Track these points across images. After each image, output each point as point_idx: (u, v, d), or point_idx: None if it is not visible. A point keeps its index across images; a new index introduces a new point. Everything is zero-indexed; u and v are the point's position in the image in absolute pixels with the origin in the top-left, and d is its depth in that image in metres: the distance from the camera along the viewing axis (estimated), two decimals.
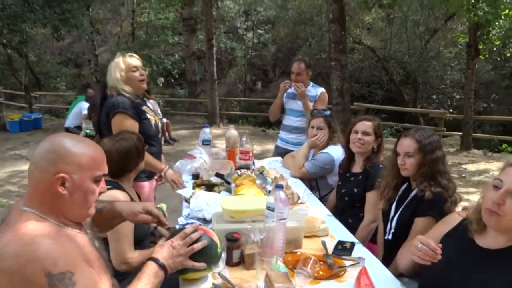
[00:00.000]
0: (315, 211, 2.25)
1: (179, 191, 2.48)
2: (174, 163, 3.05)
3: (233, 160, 2.96)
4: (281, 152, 3.62)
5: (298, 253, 1.75)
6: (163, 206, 3.15)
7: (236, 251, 1.64)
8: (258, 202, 1.83)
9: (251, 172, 2.60)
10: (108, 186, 1.87)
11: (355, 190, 2.48)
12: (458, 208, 1.88)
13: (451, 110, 12.79)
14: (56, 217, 1.17)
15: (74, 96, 8.83)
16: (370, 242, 2.33)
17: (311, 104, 3.49)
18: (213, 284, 1.49)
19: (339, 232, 2.03)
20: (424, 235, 1.62)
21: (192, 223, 2.00)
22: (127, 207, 1.54)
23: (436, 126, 9.84)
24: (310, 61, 3.72)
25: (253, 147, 3.02)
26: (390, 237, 2.02)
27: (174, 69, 15.92)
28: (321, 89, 3.65)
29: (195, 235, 1.42)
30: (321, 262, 1.67)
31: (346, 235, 2.00)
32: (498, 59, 11.38)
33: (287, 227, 1.67)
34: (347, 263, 1.69)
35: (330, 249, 1.79)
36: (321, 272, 1.61)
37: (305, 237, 1.87)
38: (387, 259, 1.93)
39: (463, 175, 6.66)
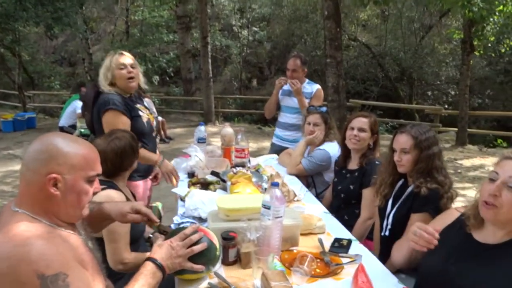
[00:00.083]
0: (311, 209, 2.24)
1: (174, 190, 2.46)
2: (169, 161, 3.03)
3: (229, 158, 2.95)
4: (277, 150, 3.60)
5: (295, 251, 1.74)
6: (159, 205, 3.16)
7: (232, 249, 1.62)
8: (254, 200, 1.81)
9: (247, 170, 2.59)
10: (103, 186, 1.85)
11: (351, 187, 2.47)
12: (455, 204, 1.88)
13: (446, 106, 12.85)
14: (49, 218, 1.15)
15: (68, 95, 8.77)
16: (367, 239, 2.32)
17: (306, 101, 3.48)
18: (209, 283, 1.48)
19: (335, 229, 2.02)
20: None
21: (188, 222, 1.98)
22: (115, 208, 1.51)
23: (431, 122, 9.88)
24: (306, 58, 3.70)
25: (248, 144, 3.00)
26: (386, 233, 2.01)
27: (169, 67, 15.89)
28: (317, 86, 3.64)
29: (195, 237, 1.40)
30: (318, 260, 1.66)
31: (343, 232, 1.99)
32: (493, 55, 11.43)
33: (284, 225, 1.66)
34: (344, 260, 1.68)
35: (327, 247, 1.78)
36: (318, 270, 1.60)
37: (302, 234, 1.85)
38: (384, 256, 1.92)
39: (459, 171, 6.69)
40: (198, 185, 2.46)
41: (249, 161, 3.00)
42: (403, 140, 1.95)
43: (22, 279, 0.98)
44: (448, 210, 1.70)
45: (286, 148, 3.42)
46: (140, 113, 2.56)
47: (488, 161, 7.21)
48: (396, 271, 1.81)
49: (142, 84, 2.67)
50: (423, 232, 1.43)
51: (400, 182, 2.04)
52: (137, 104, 2.63)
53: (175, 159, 2.97)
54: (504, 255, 1.36)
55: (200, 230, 1.45)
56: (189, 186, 2.46)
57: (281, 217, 1.61)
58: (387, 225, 2.01)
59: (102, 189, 1.84)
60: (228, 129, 3.06)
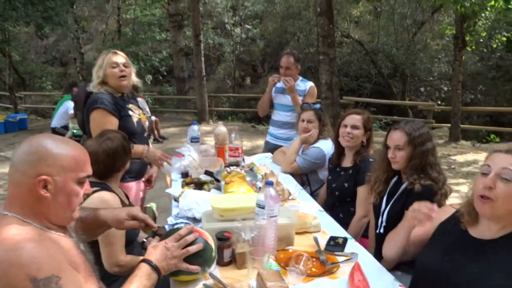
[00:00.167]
0: (306, 207, 2.23)
1: (168, 190, 2.44)
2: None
3: (223, 157, 2.93)
4: (271, 148, 3.59)
5: (290, 250, 1.72)
6: (153, 205, 3.13)
7: (227, 250, 1.60)
8: (248, 200, 1.80)
9: (241, 169, 2.57)
10: (96, 188, 1.83)
11: (346, 184, 2.47)
12: (449, 200, 1.88)
13: (439, 102, 12.92)
14: (39, 220, 1.13)
15: (60, 95, 8.69)
16: (362, 237, 2.32)
17: (300, 99, 3.47)
18: (204, 284, 1.46)
19: (331, 227, 2.01)
20: (415, 230, 1.62)
21: (182, 223, 1.96)
22: (112, 215, 1.49)
23: (424, 118, 9.93)
24: (299, 55, 3.68)
25: (242, 143, 2.99)
26: (381, 230, 2.01)
27: (162, 66, 15.81)
28: (310, 83, 3.62)
29: (190, 238, 1.39)
30: (314, 259, 1.65)
31: (338, 231, 1.99)
32: (485, 50, 11.47)
33: (278, 224, 1.64)
34: (340, 259, 1.67)
35: (323, 245, 1.77)
36: (313, 269, 1.59)
37: (297, 233, 1.84)
38: (379, 253, 1.91)
39: (452, 166, 6.73)
40: (192, 185, 2.44)
41: (243, 160, 2.98)
42: (397, 137, 1.94)
43: (14, 283, 0.97)
44: (442, 206, 1.70)
45: (280, 146, 3.40)
46: (131, 112, 2.54)
47: (482, 157, 7.25)
48: (392, 269, 1.80)
49: (135, 83, 2.65)
50: (422, 206, 1.47)
51: (394, 179, 2.04)
52: (129, 104, 2.61)
53: None
54: (500, 249, 1.36)
55: (195, 230, 1.44)
56: (182, 186, 2.43)
57: (275, 216, 1.60)
58: (381, 222, 2.00)
59: (95, 191, 1.82)
60: (221, 128, 3.04)
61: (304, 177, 2.96)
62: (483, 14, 8.17)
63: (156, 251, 1.33)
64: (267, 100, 3.69)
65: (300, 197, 2.41)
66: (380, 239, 2.03)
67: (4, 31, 10.01)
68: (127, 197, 2.16)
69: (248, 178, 2.39)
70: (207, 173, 2.57)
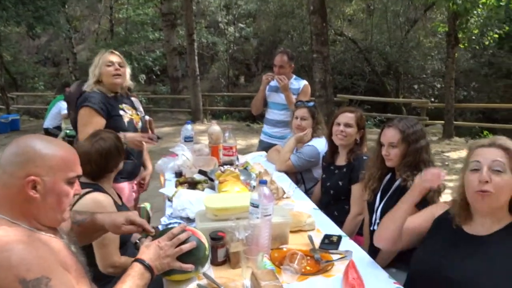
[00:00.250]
0: (301, 205, 2.22)
1: (161, 190, 2.43)
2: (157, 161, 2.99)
3: (217, 156, 2.92)
4: (265, 147, 3.58)
5: (285, 249, 1.72)
6: (147, 205, 3.11)
7: (221, 249, 1.60)
8: (242, 199, 1.79)
9: (235, 168, 2.56)
10: (89, 189, 1.81)
11: (340, 183, 2.46)
12: (442, 198, 1.88)
13: (432, 99, 12.99)
14: (28, 222, 1.13)
15: (53, 96, 8.62)
16: (357, 234, 2.32)
17: (294, 97, 3.46)
18: (198, 284, 1.45)
19: (325, 225, 2.00)
20: (412, 218, 1.61)
21: (175, 222, 1.95)
22: (109, 219, 1.48)
23: (418, 115, 9.97)
24: (293, 54, 3.67)
25: (236, 142, 2.97)
26: (375, 227, 2.01)
27: (156, 65, 15.75)
28: (304, 82, 3.62)
29: (183, 236, 1.38)
30: (308, 257, 1.64)
31: (333, 229, 1.98)
32: (477, 47, 11.56)
33: (273, 223, 1.64)
34: (334, 257, 1.66)
35: (317, 244, 1.77)
36: (308, 268, 1.58)
37: (292, 232, 1.84)
38: (374, 251, 1.92)
39: (446, 163, 6.76)
40: (185, 184, 2.42)
41: (237, 158, 2.97)
42: (391, 134, 1.94)
43: (4, 285, 0.97)
44: (436, 204, 1.70)
45: (275, 145, 3.39)
46: (122, 112, 2.52)
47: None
48: (386, 266, 1.81)
49: (129, 85, 2.66)
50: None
51: (388, 176, 2.04)
52: (123, 103, 2.60)
53: (162, 159, 2.93)
54: (494, 245, 1.37)
55: (188, 229, 1.43)
56: (176, 186, 2.42)
57: (269, 215, 1.59)
58: (375, 219, 2.00)
59: (88, 192, 1.80)
60: (215, 127, 3.02)
61: (298, 175, 2.96)
62: (475, 12, 8.22)
63: (149, 250, 1.32)
64: (260, 98, 3.68)
65: (294, 196, 2.41)
66: (373, 236, 2.03)
67: None
68: (120, 198, 2.14)
69: (242, 177, 2.38)
70: (201, 172, 2.56)
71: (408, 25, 15.13)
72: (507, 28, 9.99)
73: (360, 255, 1.70)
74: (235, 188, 2.13)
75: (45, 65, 18.69)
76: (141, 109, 2.88)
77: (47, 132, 6.63)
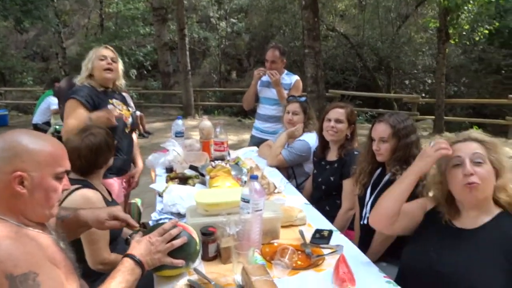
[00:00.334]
0: (292, 200, 2.22)
1: (152, 186, 2.41)
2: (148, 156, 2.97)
3: (208, 152, 2.90)
4: (256, 142, 3.57)
5: (276, 244, 1.72)
6: (138, 201, 3.09)
7: (212, 245, 1.59)
8: (232, 194, 1.78)
9: (226, 163, 2.55)
10: (77, 185, 1.79)
11: (332, 178, 2.47)
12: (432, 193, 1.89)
13: (423, 95, 13.07)
14: (16, 217, 1.11)
15: (42, 91, 8.49)
16: (348, 229, 2.33)
17: (285, 92, 3.45)
18: (189, 280, 1.44)
19: (316, 220, 2.01)
20: (407, 204, 1.61)
21: (166, 218, 1.94)
22: (92, 215, 1.47)
23: (409, 110, 10.04)
24: (285, 49, 3.66)
25: (228, 137, 2.96)
26: (365, 221, 2.02)
27: (147, 60, 15.61)
28: (296, 77, 3.61)
29: (174, 231, 1.37)
30: (299, 252, 1.65)
31: (324, 223, 1.99)
32: (467, 43, 11.66)
33: (264, 218, 1.63)
34: (325, 251, 1.67)
35: (308, 238, 1.77)
36: (299, 262, 1.58)
37: (283, 227, 1.84)
38: (364, 244, 1.93)
39: None
40: (176, 180, 2.41)
41: (229, 154, 2.96)
42: (382, 129, 1.95)
43: None
44: (426, 197, 1.70)
45: (266, 140, 3.39)
46: (111, 107, 2.50)
47: None
48: (377, 260, 1.82)
49: (121, 84, 2.66)
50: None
51: (378, 171, 2.04)
52: (113, 99, 2.58)
53: (153, 154, 2.92)
54: (483, 237, 1.39)
55: (178, 225, 1.43)
56: (167, 181, 2.40)
57: (260, 210, 1.59)
58: (365, 213, 2.01)
59: (77, 188, 1.78)
60: (206, 122, 3.01)
61: (290, 170, 2.96)
62: (466, 7, 8.29)
63: (140, 245, 1.31)
64: (252, 93, 3.67)
65: (286, 191, 2.41)
66: (364, 230, 2.04)
67: None
68: (110, 194, 2.12)
69: (233, 172, 2.38)
70: (192, 167, 2.54)
71: (399, 20, 15.17)
72: (497, 24, 10.11)
73: (351, 250, 1.71)
74: (226, 183, 2.12)
75: (34, 60, 18.40)
76: (132, 104, 2.85)
77: (36, 127, 6.55)
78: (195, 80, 13.97)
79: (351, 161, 2.32)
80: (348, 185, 2.34)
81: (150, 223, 2.00)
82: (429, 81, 14.28)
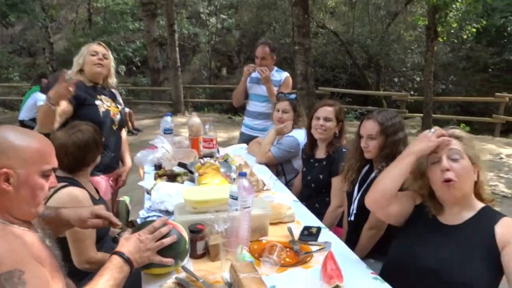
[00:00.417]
0: (281, 197, 2.22)
1: (140, 183, 2.39)
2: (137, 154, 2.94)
3: (197, 149, 2.89)
4: (246, 139, 3.56)
5: (264, 241, 1.72)
6: (127, 199, 3.07)
7: (200, 242, 1.58)
8: (221, 191, 1.77)
9: (215, 161, 2.54)
10: (64, 183, 1.76)
11: (321, 176, 2.48)
12: None
13: (412, 93, 13.19)
14: (1, 215, 1.10)
15: (29, 86, 8.36)
16: (337, 226, 2.34)
17: (275, 89, 3.45)
18: (176, 278, 1.43)
19: (305, 217, 2.01)
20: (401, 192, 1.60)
21: (154, 215, 1.93)
22: (74, 214, 1.45)
23: (398, 108, 10.12)
24: (275, 45, 3.65)
25: (217, 134, 2.95)
26: (352, 218, 2.04)
27: (136, 56, 15.46)
28: (285, 74, 3.61)
29: (164, 230, 1.36)
30: (288, 249, 1.65)
31: (312, 220, 1.99)
32: (456, 41, 11.79)
33: (252, 215, 1.63)
34: (313, 248, 1.67)
35: (297, 235, 1.77)
36: (287, 259, 1.59)
37: (271, 224, 1.84)
38: (351, 241, 1.94)
39: None
40: (164, 177, 2.39)
41: (218, 151, 2.95)
42: (370, 126, 1.96)
43: None
44: (414, 191, 1.71)
45: (256, 137, 3.38)
46: (98, 102, 2.48)
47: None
48: (364, 257, 1.83)
49: (112, 80, 2.65)
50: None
51: (366, 168, 2.06)
52: (102, 95, 2.56)
53: (141, 151, 2.88)
54: (466, 233, 1.42)
55: (169, 223, 1.42)
56: (155, 179, 2.38)
57: (249, 207, 1.59)
58: (353, 210, 2.03)
59: (63, 186, 1.76)
60: (195, 119, 2.99)
61: (279, 167, 2.96)
62: (454, 6, 8.36)
63: (129, 243, 1.29)
64: (241, 90, 3.65)
65: (275, 188, 2.41)
66: (351, 226, 2.06)
67: None
68: (97, 192, 2.10)
69: (222, 170, 2.37)
70: (181, 165, 2.53)
71: (389, 18, 15.26)
72: (484, 22, 10.23)
73: (339, 246, 1.72)
74: (214, 181, 2.11)
75: (20, 55, 18.08)
76: (121, 101, 2.82)
77: (23, 124, 6.45)
78: (185, 77, 13.90)
79: (340, 158, 2.33)
80: (336, 182, 2.35)
81: (138, 221, 1.99)
82: (418, 79, 14.42)
